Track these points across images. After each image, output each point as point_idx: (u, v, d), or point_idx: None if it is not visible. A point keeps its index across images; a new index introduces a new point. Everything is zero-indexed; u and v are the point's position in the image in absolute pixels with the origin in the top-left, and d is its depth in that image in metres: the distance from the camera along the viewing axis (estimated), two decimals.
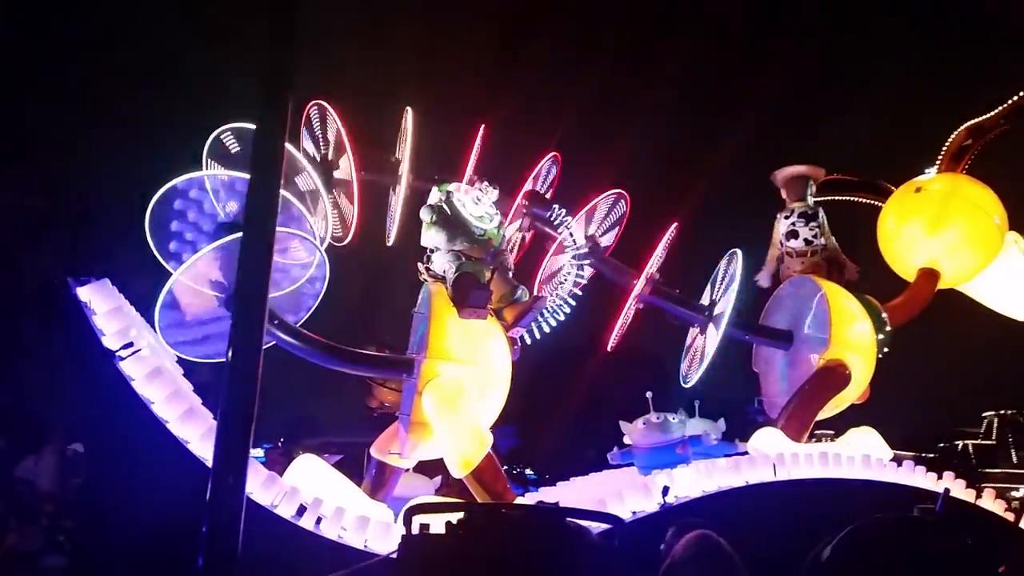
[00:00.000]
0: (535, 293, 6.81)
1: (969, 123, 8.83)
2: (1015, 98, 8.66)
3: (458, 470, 6.13)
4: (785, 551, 3.87)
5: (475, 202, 6.57)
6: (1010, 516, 7.58)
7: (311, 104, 7.01)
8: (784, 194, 8.82)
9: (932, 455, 13.35)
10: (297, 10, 4.41)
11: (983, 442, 14.68)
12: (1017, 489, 12.85)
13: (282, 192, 5.67)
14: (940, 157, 8.86)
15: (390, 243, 7.11)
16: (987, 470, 13.74)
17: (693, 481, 6.26)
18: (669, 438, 6.97)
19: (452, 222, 6.44)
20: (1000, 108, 8.71)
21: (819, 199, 8.88)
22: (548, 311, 6.71)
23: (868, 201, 9.51)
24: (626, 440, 7.25)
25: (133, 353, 5.64)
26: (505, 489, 6.20)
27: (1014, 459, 14.39)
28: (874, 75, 16.78)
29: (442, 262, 6.49)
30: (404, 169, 6.90)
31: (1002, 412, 14.95)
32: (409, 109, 7.07)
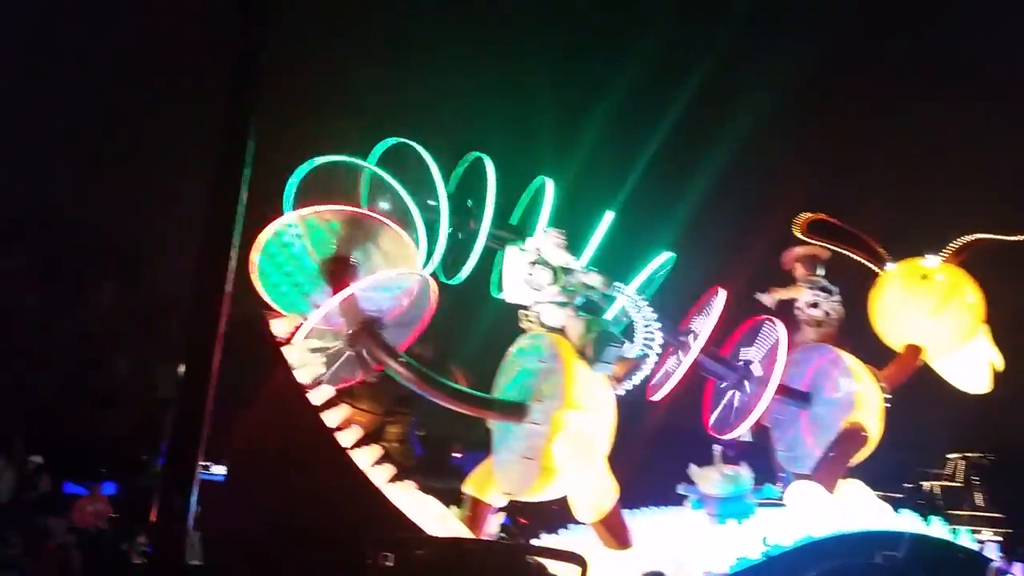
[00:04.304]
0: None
1: (984, 236, 9.77)
2: None
3: (590, 516, 6.60)
4: None
5: (563, 252, 6.85)
6: None
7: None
8: (797, 270, 9.70)
9: (899, 496, 14.02)
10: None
11: (949, 484, 15.53)
12: (980, 531, 13.63)
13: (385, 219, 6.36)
14: (946, 250, 9.75)
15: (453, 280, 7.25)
16: (953, 512, 14.50)
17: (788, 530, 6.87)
18: (741, 489, 7.67)
19: (555, 274, 6.84)
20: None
21: (805, 239, 9.69)
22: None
23: (851, 254, 10.02)
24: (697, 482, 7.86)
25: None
26: (628, 533, 6.64)
27: (979, 501, 15.23)
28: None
29: (558, 314, 6.81)
30: (486, 217, 7.11)
31: (967, 454, 15.82)
32: (486, 159, 7.23)
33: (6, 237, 19.20)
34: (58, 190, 19.26)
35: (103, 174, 18.80)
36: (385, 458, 6.11)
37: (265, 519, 5.62)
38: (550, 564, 5.36)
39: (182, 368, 4.06)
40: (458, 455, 11.59)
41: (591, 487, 6.56)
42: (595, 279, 6.95)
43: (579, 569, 5.31)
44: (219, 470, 12.91)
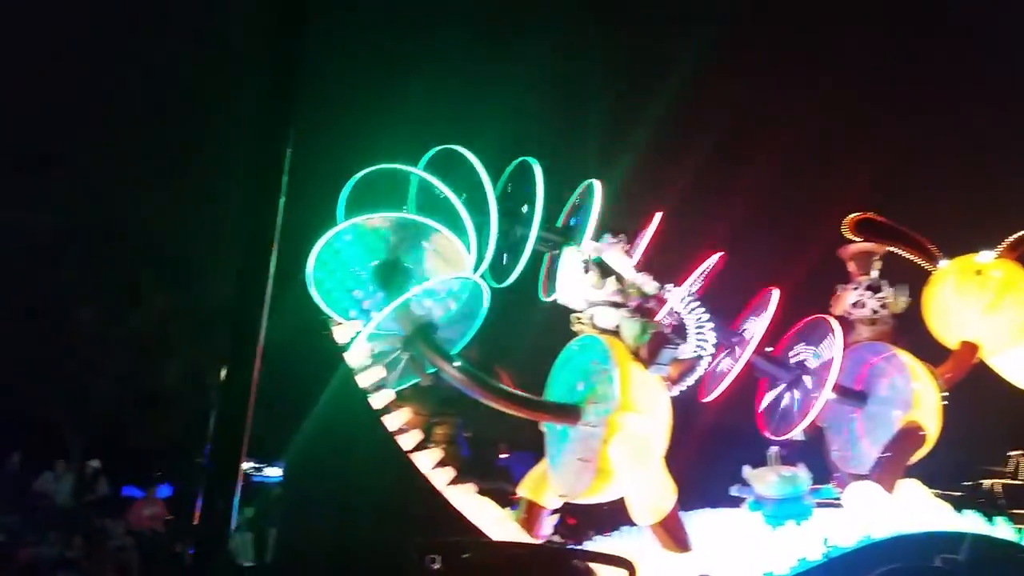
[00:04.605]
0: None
1: None
2: None
3: (648, 518, 6.58)
4: None
5: (617, 253, 6.85)
6: None
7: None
8: (851, 268, 9.52)
9: (959, 495, 13.69)
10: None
11: (1011, 482, 15.13)
12: None
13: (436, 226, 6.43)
14: (1001, 246, 9.53)
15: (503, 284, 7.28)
16: (1017, 511, 14.12)
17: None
18: (799, 490, 7.58)
19: (609, 275, 6.87)
20: None
21: (854, 240, 9.52)
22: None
23: (902, 252, 9.85)
24: (753, 484, 7.77)
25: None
26: (686, 535, 6.65)
27: None
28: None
29: (611, 316, 6.80)
30: (535, 220, 7.14)
31: None
32: (534, 161, 7.26)
33: (62, 249, 19.79)
34: (112, 201, 19.72)
35: (158, 186, 19.20)
36: (445, 461, 6.18)
37: (325, 522, 5.76)
38: (598, 568, 5.39)
39: (223, 373, 4.14)
40: (504, 456, 11.63)
41: (648, 489, 6.55)
42: (647, 280, 6.94)
43: (627, 573, 5.33)
44: (273, 472, 13.20)
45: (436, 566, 4.75)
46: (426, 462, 5.95)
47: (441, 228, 6.57)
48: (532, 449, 7.69)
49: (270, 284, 4.47)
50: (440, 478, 6.00)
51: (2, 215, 19.49)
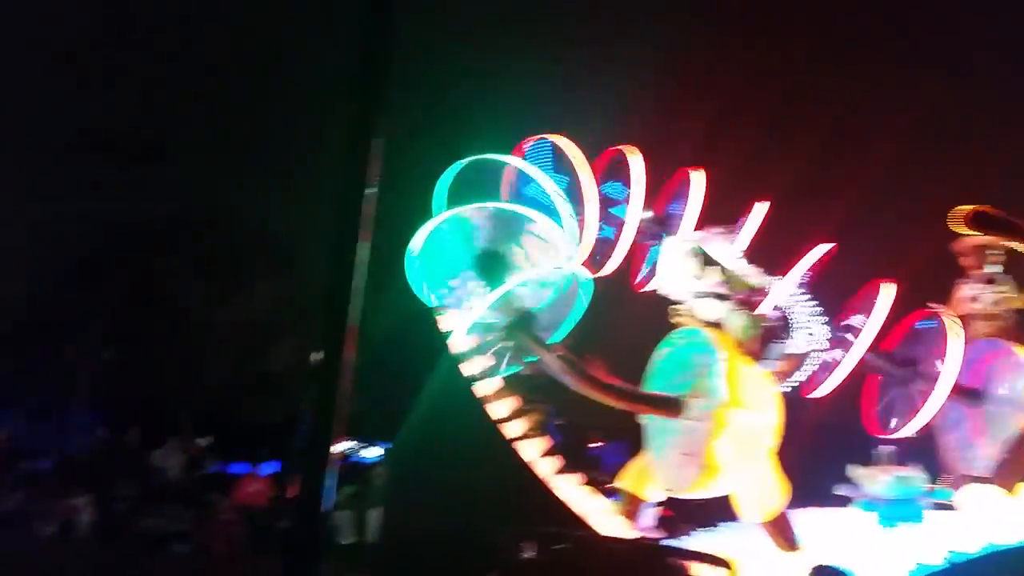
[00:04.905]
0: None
1: None
2: None
3: (760, 516, 6.45)
4: None
5: (722, 244, 6.74)
6: None
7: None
8: (967, 262, 9.06)
9: None
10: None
11: None
12: None
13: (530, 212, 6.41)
14: None
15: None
16: None
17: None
18: (912, 491, 7.40)
19: (714, 266, 6.72)
20: None
21: (966, 234, 8.92)
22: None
23: (1018, 246, 9.27)
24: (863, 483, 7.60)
25: None
26: (794, 534, 6.50)
27: None
28: None
29: (716, 309, 6.69)
30: (632, 209, 7.20)
31: None
32: (632, 154, 7.16)
33: (171, 237, 20.88)
34: (216, 190, 20.57)
35: (261, 175, 19.92)
36: (552, 450, 6.21)
37: (424, 504, 5.88)
38: (695, 566, 5.32)
39: (317, 357, 4.29)
40: (597, 446, 11.60)
41: (758, 487, 6.42)
42: (754, 271, 6.79)
43: (726, 572, 5.25)
44: (374, 453, 13.59)
45: (528, 555, 4.78)
46: (531, 450, 5.99)
47: (541, 217, 6.59)
48: (625, 439, 7.67)
49: (358, 271, 4.56)
50: (544, 467, 6.03)
51: (119, 205, 20.71)
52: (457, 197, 6.80)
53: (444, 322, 6.42)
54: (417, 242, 6.41)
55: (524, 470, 5.88)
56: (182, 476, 13.99)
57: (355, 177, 4.66)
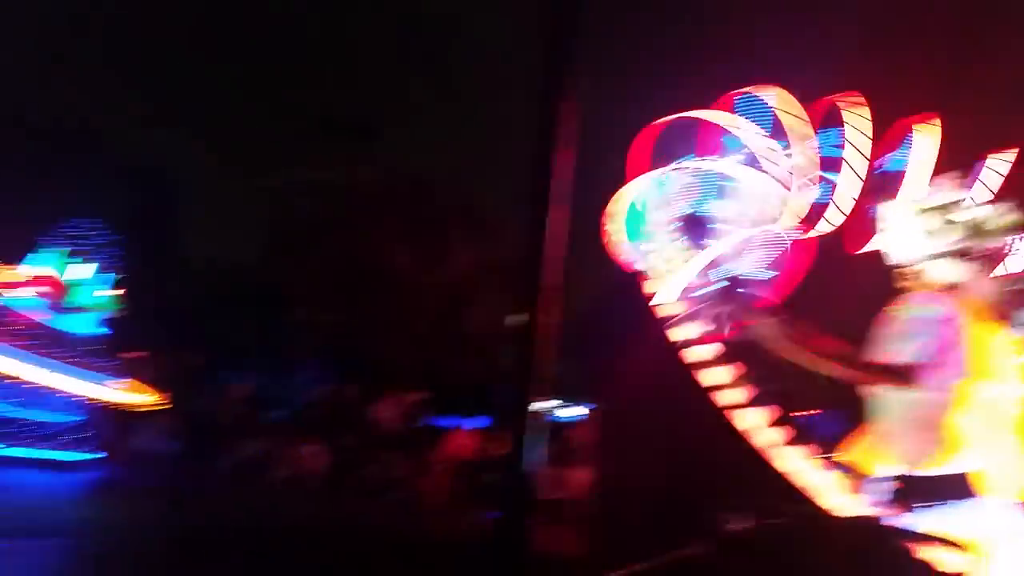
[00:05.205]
0: None
1: None
2: None
3: (1006, 494, 5.85)
4: None
5: (960, 199, 6.12)
6: None
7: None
8: None
9: None
10: None
11: None
12: None
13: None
14: None
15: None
16: None
17: None
18: None
19: (953, 224, 6.10)
20: None
21: None
22: None
23: None
24: None
25: None
26: None
27: None
28: None
29: (954, 270, 6.09)
30: (852, 164, 6.66)
31: None
32: (851, 106, 6.67)
33: (379, 204, 22.18)
34: (416, 159, 21.57)
35: (460, 145, 20.64)
36: (771, 421, 5.98)
37: (631, 466, 5.86)
38: (928, 548, 4.91)
39: (516, 318, 4.37)
40: (811, 415, 11.07)
41: (1008, 464, 5.83)
42: (1000, 229, 6.11)
43: (966, 557, 4.80)
44: (575, 412, 13.83)
45: (732, 526, 4.64)
46: (751, 420, 5.76)
47: (750, 175, 6.27)
48: (842, 409, 7.23)
49: (557, 235, 4.57)
50: (763, 437, 5.77)
51: (336, 177, 22.31)
52: (659, 157, 6.60)
53: (650, 285, 6.26)
54: (620, 204, 6.32)
55: (739, 439, 5.66)
56: (397, 428, 14.88)
57: (549, 140, 4.67)
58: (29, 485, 8.64)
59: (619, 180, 6.49)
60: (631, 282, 6.33)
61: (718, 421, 5.72)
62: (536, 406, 4.41)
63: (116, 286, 10.71)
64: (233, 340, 20.45)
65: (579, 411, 13.36)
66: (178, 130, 22.64)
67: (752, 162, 6.53)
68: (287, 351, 21.50)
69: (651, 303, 6.12)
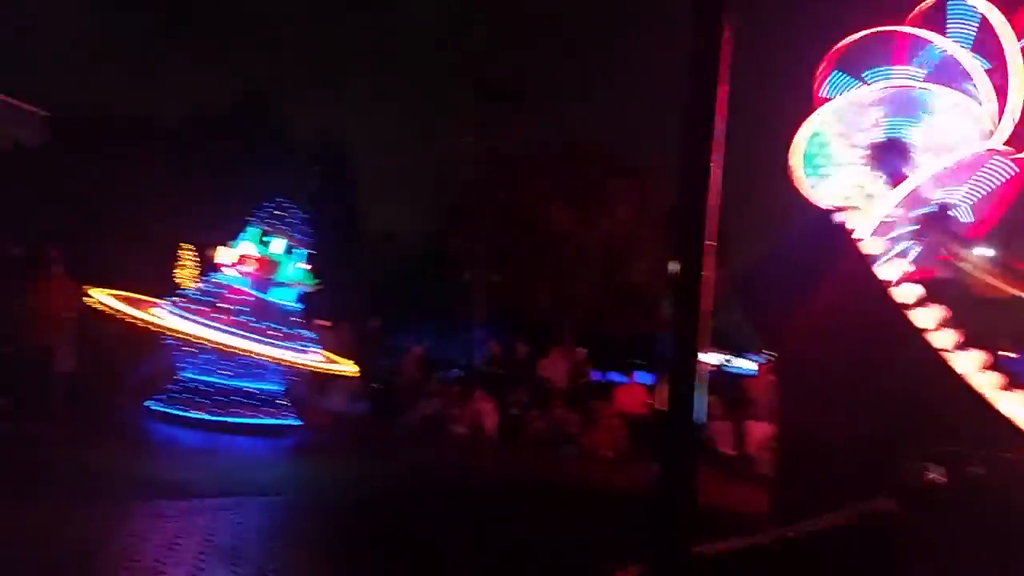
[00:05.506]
0: None
1: None
2: None
3: None
4: None
5: None
6: None
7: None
8: None
9: None
10: None
11: None
12: None
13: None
14: None
15: None
16: None
17: None
18: None
19: None
20: None
21: None
22: None
23: None
24: None
25: None
26: None
27: None
28: None
29: None
30: None
31: None
32: None
33: (541, 164, 22.42)
34: (574, 123, 21.74)
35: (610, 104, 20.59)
36: (989, 364, 5.32)
37: (815, 415, 5.46)
38: None
39: (675, 267, 4.36)
40: (1011, 356, 10.19)
41: None
42: None
43: None
44: (744, 364, 13.62)
45: (933, 476, 4.40)
46: (966, 364, 5.22)
47: (950, 94, 5.56)
48: None
49: (712, 183, 4.47)
50: (985, 382, 5.23)
51: (484, 142, 22.77)
52: (841, 82, 6.03)
53: (841, 219, 5.61)
54: (801, 137, 5.81)
55: (950, 385, 5.10)
56: (567, 384, 15.18)
57: (707, 76, 4.47)
58: (242, 448, 9.39)
59: (798, 113, 6.00)
60: (821, 219, 5.73)
61: (923, 366, 5.19)
62: (704, 358, 4.44)
63: (309, 261, 11.55)
64: (410, 305, 21.48)
65: (751, 364, 13.08)
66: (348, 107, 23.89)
67: (952, 79, 5.79)
68: (460, 313, 22.29)
69: (843, 240, 5.52)
